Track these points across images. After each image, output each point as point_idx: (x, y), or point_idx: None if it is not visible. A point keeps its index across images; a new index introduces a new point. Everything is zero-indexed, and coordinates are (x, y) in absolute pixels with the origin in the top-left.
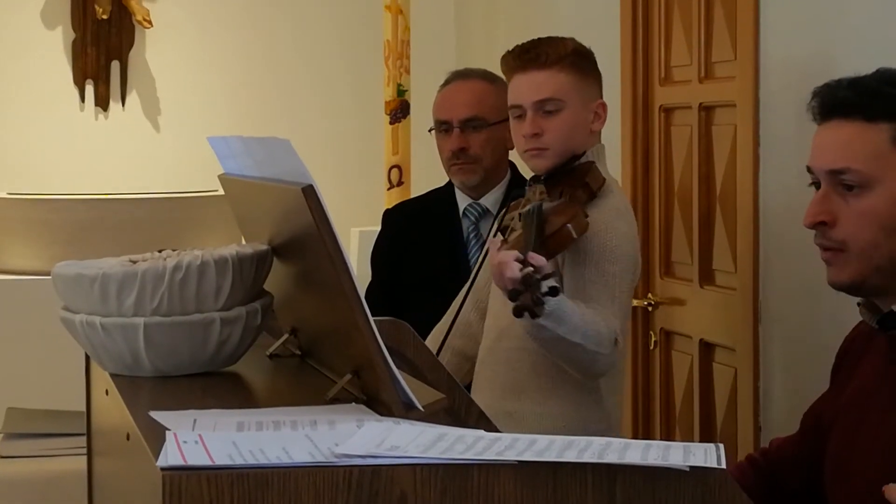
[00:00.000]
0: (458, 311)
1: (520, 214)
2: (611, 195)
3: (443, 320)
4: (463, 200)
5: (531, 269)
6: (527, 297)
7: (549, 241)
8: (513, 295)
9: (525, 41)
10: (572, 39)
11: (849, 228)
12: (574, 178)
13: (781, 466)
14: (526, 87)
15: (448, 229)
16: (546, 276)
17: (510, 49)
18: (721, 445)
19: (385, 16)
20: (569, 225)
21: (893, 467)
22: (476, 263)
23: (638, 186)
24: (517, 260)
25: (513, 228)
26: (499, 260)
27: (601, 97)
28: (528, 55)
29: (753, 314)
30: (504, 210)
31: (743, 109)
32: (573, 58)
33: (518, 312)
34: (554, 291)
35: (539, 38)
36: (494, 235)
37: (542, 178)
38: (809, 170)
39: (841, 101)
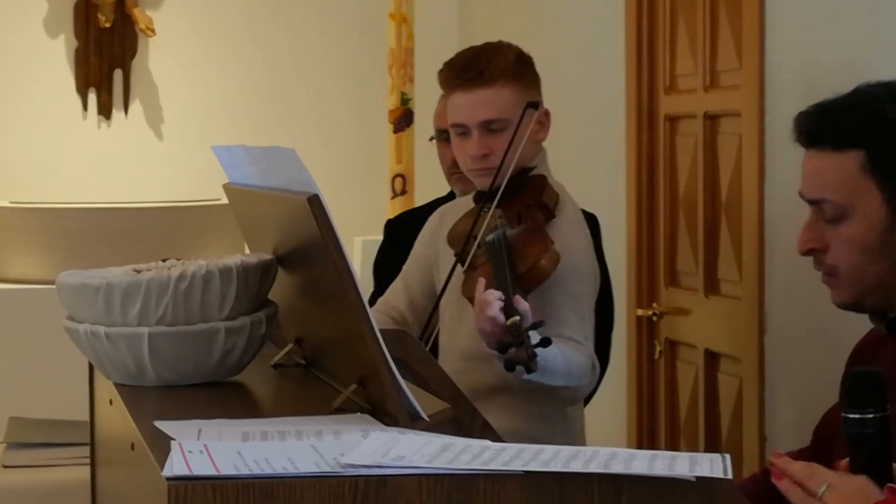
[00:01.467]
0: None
1: (483, 243)
2: (565, 208)
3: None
4: None
5: (517, 318)
6: (521, 353)
7: (524, 279)
8: (501, 347)
9: (462, 51)
10: (510, 46)
11: (836, 255)
12: (528, 195)
13: None
14: (469, 107)
15: None
16: (534, 326)
17: (448, 63)
18: (727, 456)
19: (389, 24)
20: (542, 261)
21: None
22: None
23: (643, 196)
24: (499, 300)
25: (476, 257)
26: (480, 301)
27: (542, 104)
28: (469, 73)
29: (759, 324)
30: (468, 233)
31: (748, 119)
32: (515, 69)
33: (510, 366)
34: (545, 342)
35: (477, 51)
36: (460, 265)
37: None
38: (801, 195)
39: (812, 131)
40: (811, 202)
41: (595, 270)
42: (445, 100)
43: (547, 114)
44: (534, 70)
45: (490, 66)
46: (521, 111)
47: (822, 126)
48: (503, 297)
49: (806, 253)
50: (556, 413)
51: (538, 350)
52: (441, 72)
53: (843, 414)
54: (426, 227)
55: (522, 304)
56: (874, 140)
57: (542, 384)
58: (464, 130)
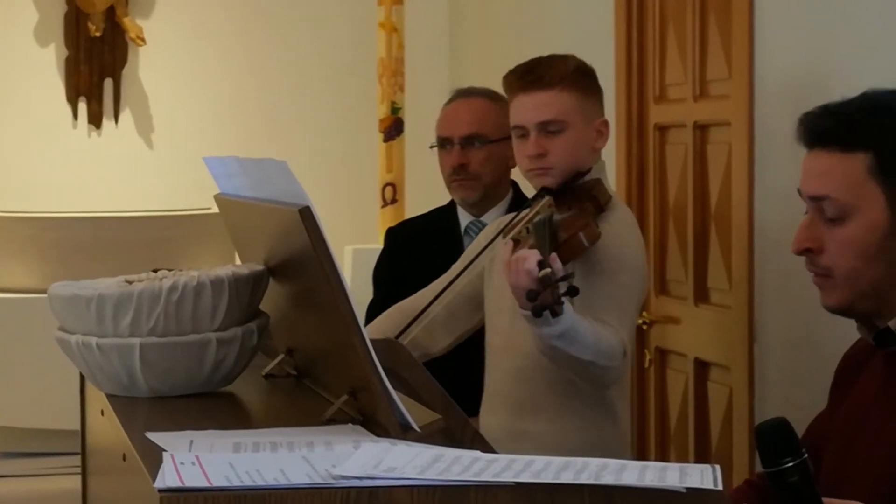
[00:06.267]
0: (430, 302)
1: (528, 227)
2: (618, 209)
3: (409, 303)
4: (465, 218)
5: (549, 270)
6: (546, 296)
7: (562, 249)
8: (531, 295)
9: (526, 60)
10: (573, 57)
11: (833, 256)
12: (581, 193)
13: None
14: (529, 108)
15: (450, 247)
16: (564, 278)
17: (512, 69)
18: (717, 467)
19: (379, 33)
20: (581, 234)
21: (886, 485)
22: (463, 264)
23: (633, 204)
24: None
25: (522, 238)
26: (516, 257)
27: (603, 114)
28: (531, 76)
29: (748, 332)
30: (510, 221)
31: (737, 128)
32: (575, 76)
33: (538, 312)
34: (573, 291)
35: (540, 58)
36: (502, 237)
37: (551, 192)
38: (800, 193)
39: (820, 130)
40: (812, 199)
41: (644, 270)
42: (446, 109)
43: (605, 124)
44: (595, 82)
45: (550, 71)
46: (579, 117)
47: (832, 126)
48: (539, 256)
49: (801, 252)
50: (607, 418)
51: (565, 303)
52: (505, 77)
53: (764, 471)
54: (483, 233)
55: (556, 262)
56: (883, 143)
57: (569, 355)
58: (523, 133)
